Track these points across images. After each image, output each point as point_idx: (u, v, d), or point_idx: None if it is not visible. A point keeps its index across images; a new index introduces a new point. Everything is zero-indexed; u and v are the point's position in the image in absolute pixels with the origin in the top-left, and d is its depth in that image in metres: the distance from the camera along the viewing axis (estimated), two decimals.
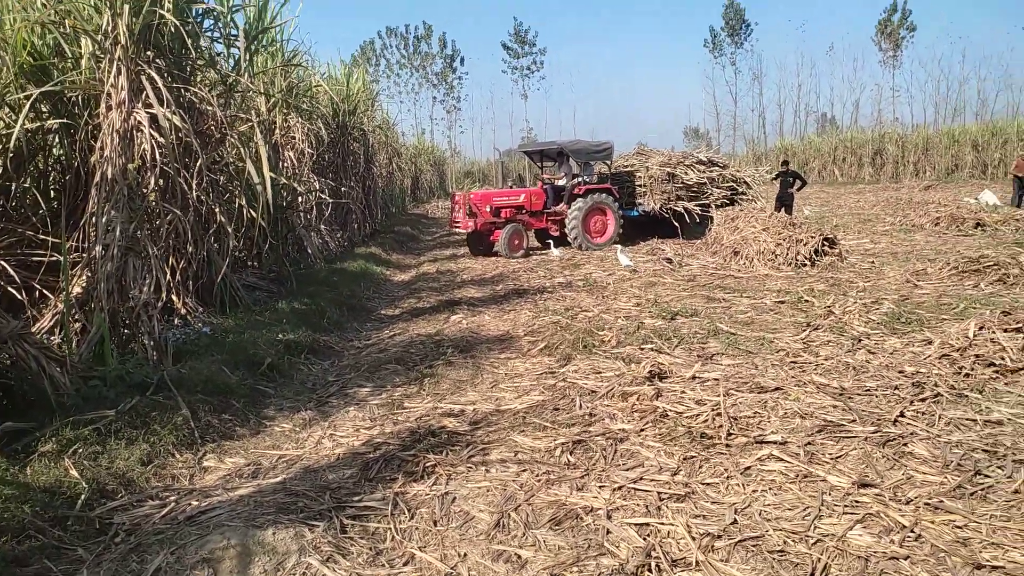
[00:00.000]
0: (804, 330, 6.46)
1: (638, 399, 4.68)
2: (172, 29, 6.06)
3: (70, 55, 6.29)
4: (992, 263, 8.60)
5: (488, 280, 10.84)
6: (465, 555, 2.91)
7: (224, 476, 3.75)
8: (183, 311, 6.58)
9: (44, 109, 6.25)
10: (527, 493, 3.44)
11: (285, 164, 11.19)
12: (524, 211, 13.68)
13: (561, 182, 14.31)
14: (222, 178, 6.84)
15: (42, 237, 6.06)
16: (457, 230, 13.89)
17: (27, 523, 2.92)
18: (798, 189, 14.64)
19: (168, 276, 6.19)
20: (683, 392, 4.80)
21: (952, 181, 32.17)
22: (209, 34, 7.17)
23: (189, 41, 5.92)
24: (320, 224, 12.98)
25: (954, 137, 36.69)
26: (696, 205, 14.03)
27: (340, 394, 5.29)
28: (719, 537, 2.96)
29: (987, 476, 3.38)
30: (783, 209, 13.74)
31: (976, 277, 8.49)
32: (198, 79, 6.44)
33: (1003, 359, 5.00)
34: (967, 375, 4.84)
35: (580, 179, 14.02)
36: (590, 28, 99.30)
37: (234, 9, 6.74)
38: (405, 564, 2.85)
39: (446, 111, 62.15)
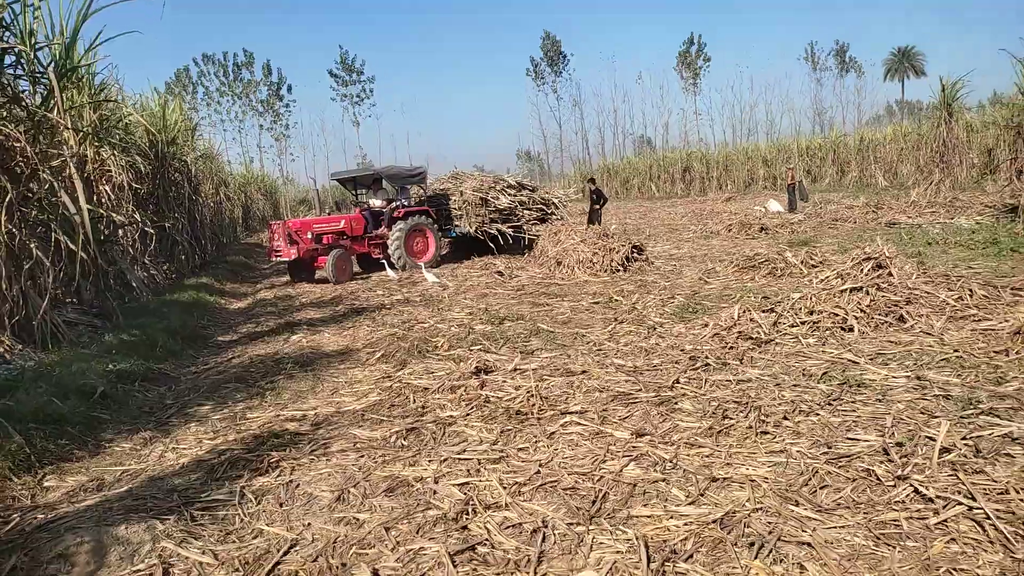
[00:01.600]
0: (611, 324, 7.40)
1: (465, 390, 5.27)
2: None
3: None
4: (764, 260, 10.17)
5: (327, 302, 11.07)
6: (309, 524, 3.33)
7: (67, 492, 3.87)
8: (0, 349, 6.35)
9: None
10: (364, 473, 3.91)
11: (102, 197, 10.78)
12: (346, 236, 13.96)
13: (377, 206, 14.75)
14: (34, 212, 6.66)
15: None
16: (279, 259, 13.86)
17: None
18: (600, 205, 16.17)
19: None
20: (504, 381, 5.46)
21: (749, 192, 36.21)
22: (11, 71, 6.97)
23: None
24: (145, 257, 12.53)
25: (748, 154, 41.37)
26: (509, 227, 14.90)
27: (180, 414, 5.43)
28: (525, 484, 3.60)
29: (731, 419, 4.29)
30: (593, 223, 15.14)
31: (753, 272, 10.00)
32: (3, 116, 6.27)
33: (758, 333, 6.15)
34: (731, 348, 5.91)
35: (399, 203, 14.52)
36: (417, 58, 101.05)
37: (37, 47, 6.65)
38: (255, 538, 3.22)
39: (275, 139, 60.64)
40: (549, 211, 15.72)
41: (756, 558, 2.72)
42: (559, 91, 61.62)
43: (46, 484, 4.02)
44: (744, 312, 6.57)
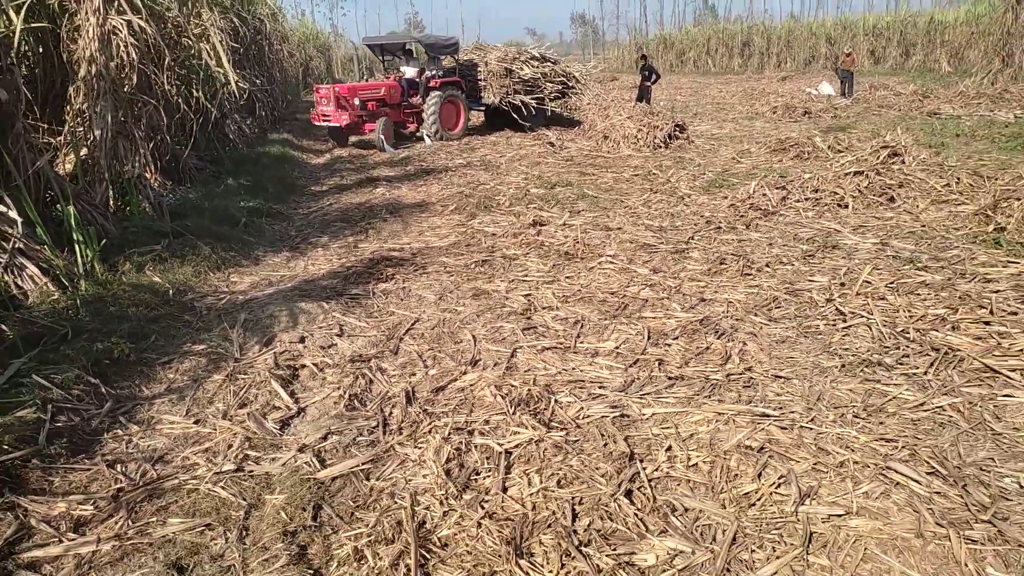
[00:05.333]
0: (646, 194, 8.71)
1: (525, 237, 6.76)
2: None
3: None
4: (795, 143, 11.16)
5: (398, 163, 12.46)
6: (424, 311, 4.94)
7: (250, 285, 5.56)
8: (155, 184, 7.99)
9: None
10: (455, 285, 5.49)
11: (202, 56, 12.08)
12: (385, 104, 14.30)
13: (409, 75, 15.09)
14: (180, 71, 8.08)
15: (32, 123, 7.23)
16: (327, 123, 13.90)
17: (148, 302, 4.67)
18: (652, 82, 16.65)
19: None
20: (555, 232, 6.92)
21: (808, 72, 35.48)
22: None
23: None
24: (234, 111, 13.96)
25: (812, 30, 39.99)
26: (532, 99, 15.15)
27: (305, 243, 7.06)
28: (569, 297, 5.14)
29: (726, 265, 5.71)
30: (642, 100, 15.85)
31: (782, 154, 11.03)
32: None
33: (767, 206, 7.43)
34: (742, 216, 7.23)
35: (435, 73, 14.80)
36: None
37: None
38: (390, 316, 4.86)
39: None
40: (570, 84, 15.88)
41: (718, 339, 4.24)
42: None
43: (232, 279, 5.71)
44: (759, 188, 7.82)
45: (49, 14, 7.13)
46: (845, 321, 4.36)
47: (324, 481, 2.93)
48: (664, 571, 2.40)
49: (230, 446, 3.17)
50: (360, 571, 2.42)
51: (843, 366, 3.83)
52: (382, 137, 13.64)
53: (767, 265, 5.63)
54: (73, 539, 2.56)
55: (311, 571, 2.43)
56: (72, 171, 6.69)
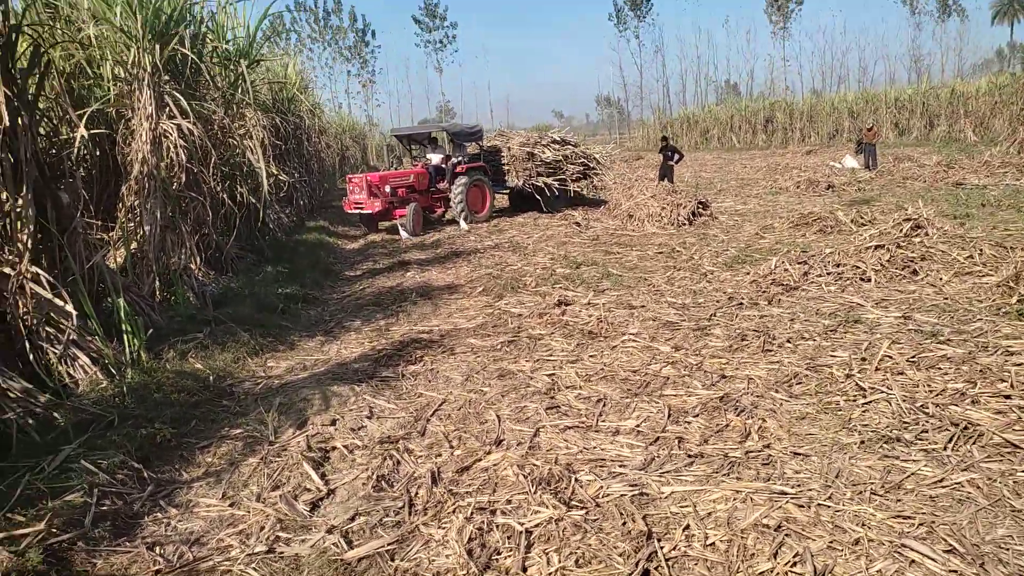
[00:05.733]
0: (670, 271, 8.88)
1: (550, 317, 6.94)
2: (183, 58, 7.81)
3: (91, 74, 7.92)
4: (817, 218, 11.30)
5: (428, 246, 12.90)
6: (451, 392, 5.10)
7: (286, 370, 5.79)
8: (199, 275, 8.42)
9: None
10: (482, 366, 5.66)
11: (248, 155, 12.84)
12: (414, 190, 14.98)
13: (435, 162, 15.77)
14: (225, 169, 8.65)
15: (88, 220, 7.76)
16: (360, 211, 14.48)
17: (190, 388, 4.92)
18: (676, 162, 17.05)
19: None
20: (580, 311, 7.09)
21: (832, 145, 35.88)
22: (208, 58, 8.88)
23: (203, 67, 7.70)
24: (274, 202, 14.67)
25: (834, 105, 40.65)
26: (555, 180, 15.69)
27: (339, 327, 7.33)
28: (592, 376, 5.26)
29: (748, 341, 5.79)
30: (665, 179, 16.24)
31: (805, 229, 11.16)
32: (206, 94, 8.21)
33: (789, 281, 7.53)
34: (764, 292, 7.33)
35: (460, 159, 15.44)
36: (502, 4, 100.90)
37: (227, 41, 8.55)
38: (418, 397, 5.03)
39: (362, 85, 62.91)
40: (591, 165, 16.46)
41: (738, 416, 4.30)
42: (640, 36, 61.32)
43: (269, 364, 5.96)
44: (781, 264, 7.94)
45: (106, 120, 7.77)
46: (865, 396, 4.40)
47: (350, 562, 3.04)
48: None
49: (262, 528, 3.32)
50: None
51: (862, 442, 3.86)
52: (401, 224, 14.18)
53: (788, 341, 5.71)
54: None
55: None
56: (122, 264, 7.13)
